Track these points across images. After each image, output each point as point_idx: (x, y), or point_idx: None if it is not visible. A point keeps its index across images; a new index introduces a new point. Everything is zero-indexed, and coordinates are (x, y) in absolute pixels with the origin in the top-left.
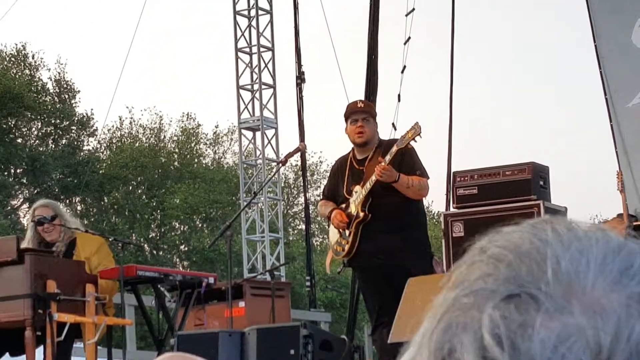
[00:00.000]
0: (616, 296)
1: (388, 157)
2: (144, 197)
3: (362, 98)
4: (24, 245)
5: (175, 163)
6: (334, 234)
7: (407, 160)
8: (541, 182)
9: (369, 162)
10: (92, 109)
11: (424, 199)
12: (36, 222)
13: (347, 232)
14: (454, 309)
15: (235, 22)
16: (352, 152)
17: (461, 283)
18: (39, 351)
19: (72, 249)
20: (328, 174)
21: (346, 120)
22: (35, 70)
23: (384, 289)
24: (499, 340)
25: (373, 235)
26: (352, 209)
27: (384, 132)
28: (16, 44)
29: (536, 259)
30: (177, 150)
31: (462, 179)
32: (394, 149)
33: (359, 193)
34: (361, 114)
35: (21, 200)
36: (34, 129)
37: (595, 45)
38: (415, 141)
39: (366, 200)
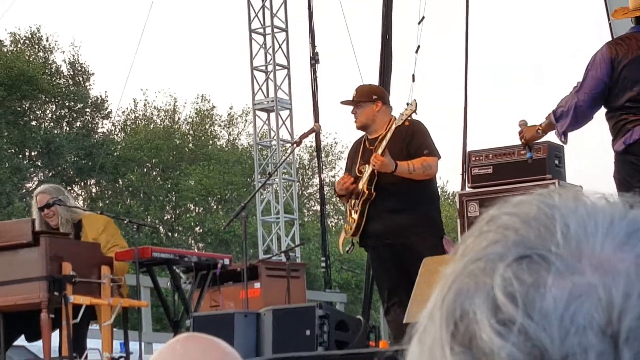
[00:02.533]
0: (625, 256)
1: (388, 135)
2: (159, 179)
3: (377, 78)
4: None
5: (190, 145)
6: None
7: (416, 140)
8: (556, 162)
9: (379, 142)
10: (106, 91)
11: (438, 178)
12: (39, 209)
13: (353, 210)
14: (464, 276)
15: (249, 3)
16: (365, 132)
17: (470, 252)
18: (55, 335)
19: (79, 231)
20: (345, 155)
21: None
22: (49, 52)
23: (393, 269)
24: (513, 298)
25: (380, 214)
26: (359, 187)
27: (397, 110)
28: (30, 27)
29: (545, 222)
30: (191, 132)
31: (477, 158)
32: (393, 126)
33: (366, 172)
34: (352, 102)
35: (36, 183)
36: (48, 111)
37: (610, 24)
38: (411, 118)
39: (372, 179)
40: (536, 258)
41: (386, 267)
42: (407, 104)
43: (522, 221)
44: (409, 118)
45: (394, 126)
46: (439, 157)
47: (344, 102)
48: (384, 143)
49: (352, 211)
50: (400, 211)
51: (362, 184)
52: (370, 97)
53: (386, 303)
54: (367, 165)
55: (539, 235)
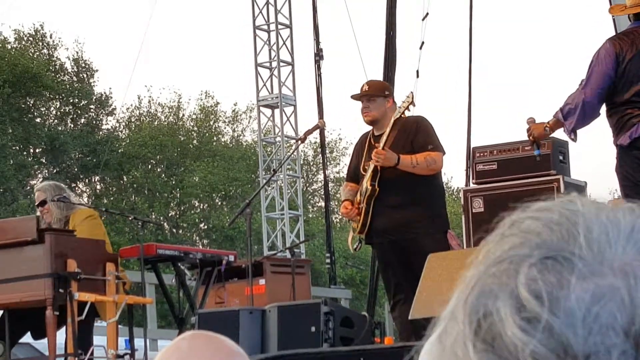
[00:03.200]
0: None
1: (387, 130)
2: (163, 175)
3: (381, 74)
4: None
5: (194, 141)
6: (342, 208)
7: (420, 135)
8: (561, 157)
9: (386, 139)
10: (110, 88)
11: (442, 173)
12: (36, 206)
13: (359, 207)
14: (487, 277)
15: (253, 0)
16: (371, 129)
17: (491, 255)
18: (61, 332)
19: (66, 226)
20: (350, 152)
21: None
22: (53, 49)
23: (398, 266)
24: (538, 295)
25: (384, 210)
26: (364, 184)
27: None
28: (34, 24)
29: (568, 227)
30: (196, 128)
31: (482, 154)
32: (391, 121)
33: (369, 167)
34: (363, 96)
35: (40, 179)
36: (52, 108)
37: (614, 19)
38: (409, 110)
39: (375, 175)
40: (560, 259)
41: (391, 263)
42: (406, 96)
43: (545, 225)
44: (407, 110)
45: (391, 120)
46: (444, 153)
47: (356, 96)
48: (384, 138)
49: (358, 209)
50: (404, 206)
51: (365, 181)
52: (383, 92)
53: (392, 299)
54: (370, 163)
55: (562, 238)
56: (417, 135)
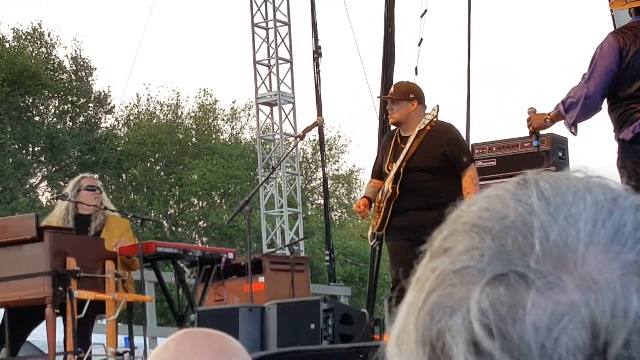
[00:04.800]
0: (609, 267)
1: (412, 137)
2: (162, 173)
3: (380, 71)
4: (57, 219)
5: (193, 139)
6: (356, 205)
7: (453, 147)
8: (560, 153)
9: (412, 141)
10: (109, 86)
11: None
12: (86, 188)
13: (379, 206)
14: (441, 287)
15: None
16: (397, 129)
17: (445, 252)
18: (60, 329)
19: (89, 225)
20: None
21: None
22: (51, 48)
23: (406, 262)
24: (490, 331)
25: (404, 212)
26: (386, 184)
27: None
28: (32, 22)
29: (523, 231)
30: (194, 126)
31: (481, 151)
32: (416, 130)
33: (392, 169)
34: (389, 99)
35: (39, 178)
36: (51, 106)
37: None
38: (433, 123)
39: (397, 177)
40: (514, 277)
41: (404, 255)
42: (432, 109)
43: (500, 226)
44: (432, 123)
45: (416, 129)
46: (474, 161)
47: (381, 97)
48: (408, 145)
49: (378, 207)
50: (423, 210)
51: (387, 182)
52: (407, 96)
53: (391, 293)
54: (394, 164)
55: (517, 245)
56: (449, 146)
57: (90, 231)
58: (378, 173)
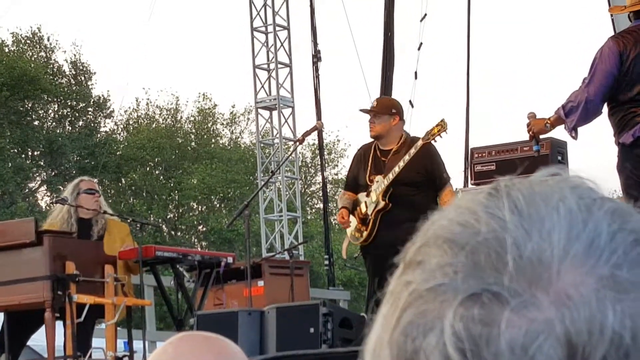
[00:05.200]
0: (585, 281)
1: (413, 150)
2: (162, 178)
3: (379, 76)
4: (59, 222)
5: (192, 143)
6: (353, 221)
7: (436, 164)
8: (559, 157)
9: (393, 155)
10: (108, 91)
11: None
12: (85, 191)
13: (363, 219)
14: (414, 305)
15: (251, 2)
16: (376, 142)
17: (418, 265)
18: (60, 333)
19: (91, 230)
20: (348, 153)
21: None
22: (50, 52)
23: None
24: (463, 353)
25: (392, 224)
26: (373, 197)
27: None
28: (31, 27)
29: (495, 248)
30: (194, 130)
31: (480, 155)
32: (420, 142)
33: (380, 182)
34: (370, 112)
35: (39, 182)
36: (50, 111)
37: (612, 19)
38: (441, 137)
39: (387, 190)
40: (488, 296)
41: (385, 269)
42: (438, 123)
43: (473, 242)
44: (439, 136)
45: (420, 141)
46: (450, 179)
47: (363, 110)
48: (413, 150)
49: (362, 220)
50: (412, 221)
51: (375, 195)
52: (389, 110)
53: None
54: (379, 176)
55: (490, 263)
56: (432, 164)
57: (92, 235)
58: (353, 185)
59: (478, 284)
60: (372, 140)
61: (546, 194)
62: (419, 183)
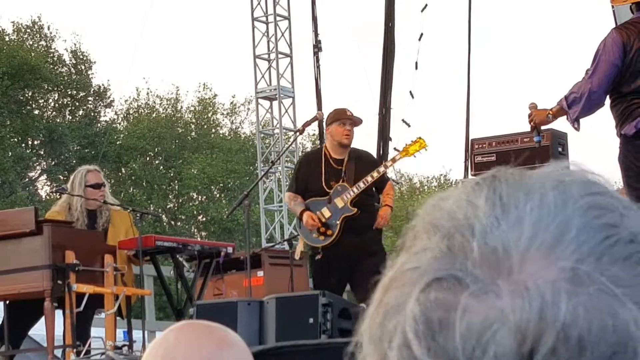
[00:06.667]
0: (545, 273)
1: (390, 163)
2: (162, 167)
3: (380, 66)
4: (77, 214)
5: (193, 133)
6: (307, 218)
7: (366, 165)
8: (560, 149)
9: (347, 164)
10: (108, 80)
11: (441, 166)
12: (92, 185)
13: (334, 222)
14: (393, 287)
15: None
16: (324, 150)
17: (407, 250)
18: (60, 323)
19: (96, 221)
20: (295, 168)
21: (332, 122)
22: (51, 41)
23: (341, 279)
24: (419, 335)
25: (357, 228)
26: (340, 203)
27: (401, 98)
28: (31, 16)
29: (465, 234)
30: (194, 120)
31: (480, 146)
32: (397, 156)
33: (345, 190)
34: (349, 120)
35: (39, 171)
36: (50, 100)
37: (613, 10)
38: (420, 153)
39: (355, 198)
40: (451, 280)
41: (348, 272)
42: (416, 141)
43: (449, 225)
44: (418, 152)
45: (398, 155)
46: None
47: (356, 118)
48: (390, 163)
49: (325, 224)
50: (372, 226)
51: (343, 202)
52: (357, 126)
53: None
54: (343, 183)
55: (461, 248)
56: (371, 168)
57: (97, 228)
58: (302, 190)
59: (445, 269)
60: (316, 149)
61: (529, 186)
62: (373, 189)
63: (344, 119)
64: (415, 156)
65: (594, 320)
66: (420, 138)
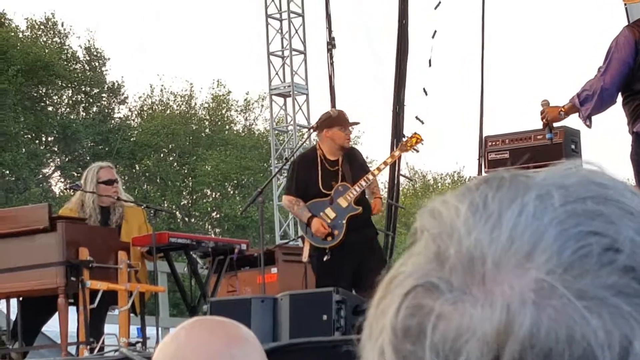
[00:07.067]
0: (516, 283)
1: (389, 159)
2: (176, 164)
3: (394, 63)
4: (89, 210)
5: (207, 130)
6: (318, 226)
7: (365, 166)
8: (572, 146)
9: (342, 164)
10: (122, 77)
11: (454, 163)
12: (104, 182)
13: (341, 223)
14: (387, 291)
15: None
16: (318, 151)
17: (408, 252)
18: (73, 320)
19: (109, 218)
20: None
21: (334, 126)
22: (64, 38)
23: (348, 275)
24: (394, 341)
25: (359, 225)
26: (343, 203)
27: (415, 95)
28: (45, 12)
29: (446, 240)
30: (208, 117)
31: (494, 143)
32: (397, 152)
33: (347, 190)
34: (349, 124)
35: (52, 168)
36: (64, 97)
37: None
38: (417, 150)
39: (356, 197)
40: (428, 287)
41: (357, 268)
42: (411, 136)
43: (437, 230)
44: (414, 148)
45: (398, 152)
46: None
47: (354, 123)
48: (390, 160)
49: (330, 224)
50: (368, 225)
51: (346, 202)
52: None
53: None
54: (344, 183)
55: (441, 254)
56: (363, 166)
57: (111, 224)
58: (302, 192)
59: (426, 275)
60: (308, 151)
61: (515, 192)
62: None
63: (347, 122)
64: (414, 151)
65: (557, 333)
66: (416, 133)
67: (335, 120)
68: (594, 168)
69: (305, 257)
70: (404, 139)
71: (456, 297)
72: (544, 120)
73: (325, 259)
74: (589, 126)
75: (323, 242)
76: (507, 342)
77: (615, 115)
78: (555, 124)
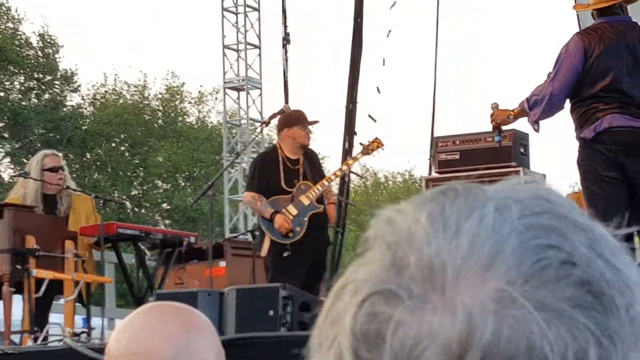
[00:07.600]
0: (476, 292)
1: (351, 161)
2: (127, 154)
3: (348, 61)
4: (30, 198)
5: (159, 121)
6: (282, 221)
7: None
8: (521, 149)
9: (303, 163)
10: (75, 65)
11: (406, 162)
12: (49, 169)
13: (303, 221)
14: (339, 296)
15: None
16: (279, 151)
17: (359, 259)
18: (18, 309)
19: (56, 206)
20: (253, 168)
21: (294, 125)
22: (18, 24)
23: (305, 270)
24: (353, 349)
25: (318, 224)
26: (306, 201)
27: (368, 93)
28: None
29: (405, 248)
30: (161, 108)
31: (444, 144)
32: (359, 155)
33: (312, 188)
34: (309, 123)
35: (2, 154)
36: (16, 82)
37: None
38: (378, 152)
39: (318, 196)
40: (387, 294)
41: (316, 266)
42: (372, 140)
43: (395, 238)
44: (376, 151)
45: (360, 154)
46: None
47: (314, 122)
48: (351, 161)
49: (291, 220)
50: (326, 220)
51: (308, 200)
52: None
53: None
54: (305, 182)
55: (400, 262)
56: (320, 169)
57: (58, 213)
58: (263, 189)
59: (384, 282)
60: (269, 150)
61: (473, 204)
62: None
63: (306, 121)
64: (374, 155)
65: (517, 343)
66: (377, 138)
67: (295, 120)
68: (540, 185)
69: (264, 252)
70: (366, 143)
71: (415, 304)
72: (494, 122)
73: (285, 254)
74: (537, 130)
75: (284, 238)
76: (468, 350)
77: (564, 120)
78: (504, 127)
